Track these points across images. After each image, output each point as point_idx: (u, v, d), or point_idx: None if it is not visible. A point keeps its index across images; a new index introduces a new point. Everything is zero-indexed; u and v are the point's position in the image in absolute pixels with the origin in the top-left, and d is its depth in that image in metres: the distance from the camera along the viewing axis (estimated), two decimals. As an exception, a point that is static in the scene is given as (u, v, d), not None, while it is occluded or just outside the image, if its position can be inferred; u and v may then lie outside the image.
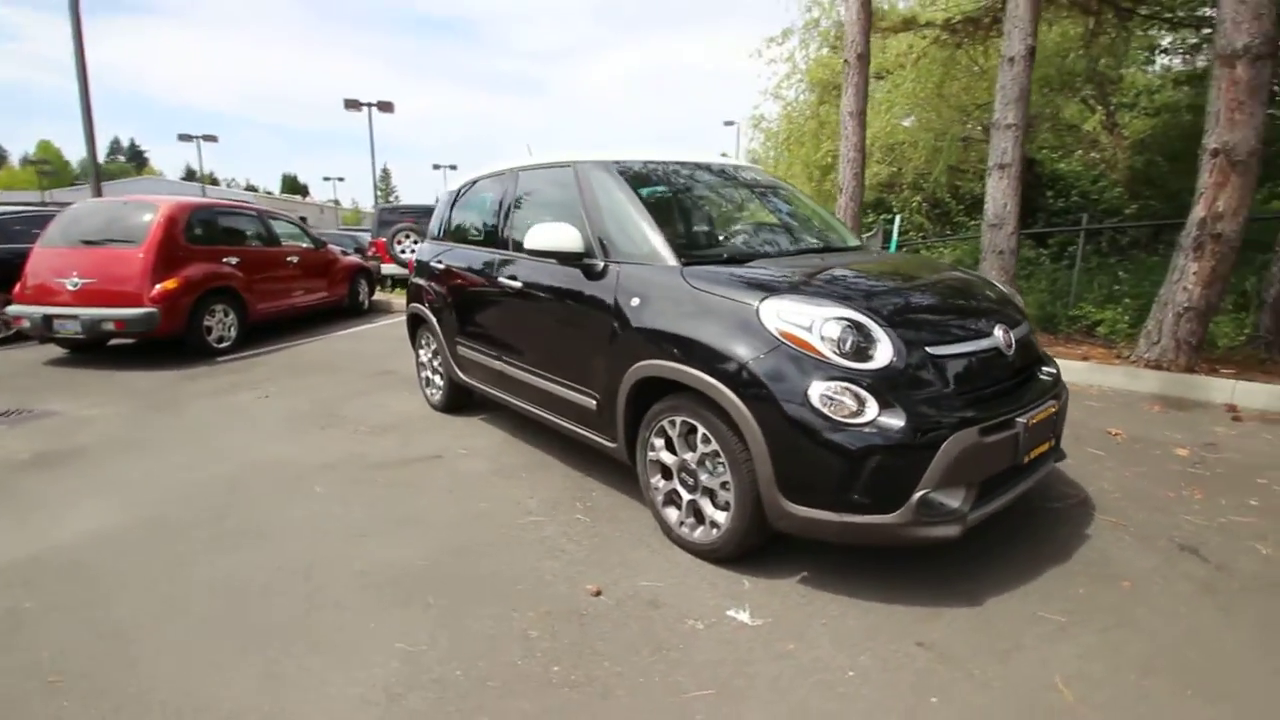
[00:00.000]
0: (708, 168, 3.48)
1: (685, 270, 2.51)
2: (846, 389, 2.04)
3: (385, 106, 24.53)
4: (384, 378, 5.67)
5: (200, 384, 5.47)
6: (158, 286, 5.94)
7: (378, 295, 10.69)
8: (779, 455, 2.10)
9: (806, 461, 2.07)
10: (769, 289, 2.28)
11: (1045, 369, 2.63)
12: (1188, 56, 10.48)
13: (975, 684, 1.81)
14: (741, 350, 2.19)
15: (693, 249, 2.66)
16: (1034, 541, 2.56)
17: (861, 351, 2.09)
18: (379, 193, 76.32)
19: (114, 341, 6.66)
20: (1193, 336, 4.78)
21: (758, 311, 2.21)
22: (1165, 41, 11.67)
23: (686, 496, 2.48)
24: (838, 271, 2.59)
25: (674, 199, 3.07)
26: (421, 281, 4.46)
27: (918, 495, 2.01)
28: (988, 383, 2.27)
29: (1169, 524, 2.68)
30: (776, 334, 2.15)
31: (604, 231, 2.84)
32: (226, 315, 6.69)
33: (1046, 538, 2.59)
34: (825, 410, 2.03)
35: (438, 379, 4.49)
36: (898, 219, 11.60)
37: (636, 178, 3.04)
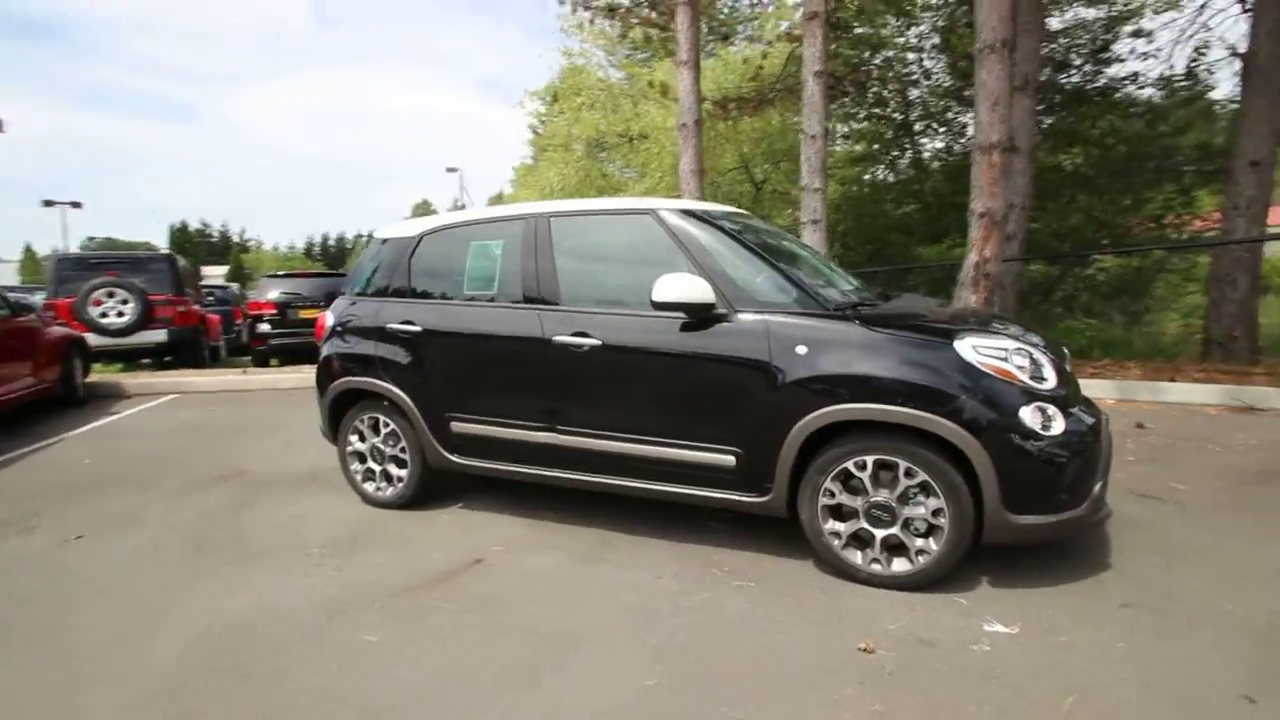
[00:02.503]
0: (730, 215, 3.56)
1: (853, 315, 2.63)
2: (1041, 408, 2.42)
3: (-18, 123, 18.04)
4: (242, 481, 4.30)
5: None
6: None
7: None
8: (1004, 474, 2.36)
9: (1027, 475, 2.37)
10: (952, 329, 2.55)
11: None
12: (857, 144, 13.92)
13: (1180, 618, 2.29)
14: (955, 384, 2.40)
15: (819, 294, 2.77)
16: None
17: (1039, 375, 2.49)
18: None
19: None
20: (976, 348, 6.46)
21: (956, 349, 2.45)
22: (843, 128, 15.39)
23: (880, 533, 2.56)
24: (955, 311, 2.98)
25: (763, 246, 3.11)
26: (368, 350, 3.58)
27: (1097, 487, 2.47)
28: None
29: (1113, 481, 3.66)
30: (980, 366, 2.43)
31: (728, 281, 2.77)
32: (-106, 427, 4.29)
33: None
34: (1035, 427, 2.37)
35: (394, 469, 3.63)
36: None
37: (715, 225, 3.02)
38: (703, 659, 2.19)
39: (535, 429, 3.15)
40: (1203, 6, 7.93)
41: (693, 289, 2.67)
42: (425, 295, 3.52)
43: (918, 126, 12.94)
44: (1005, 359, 2.46)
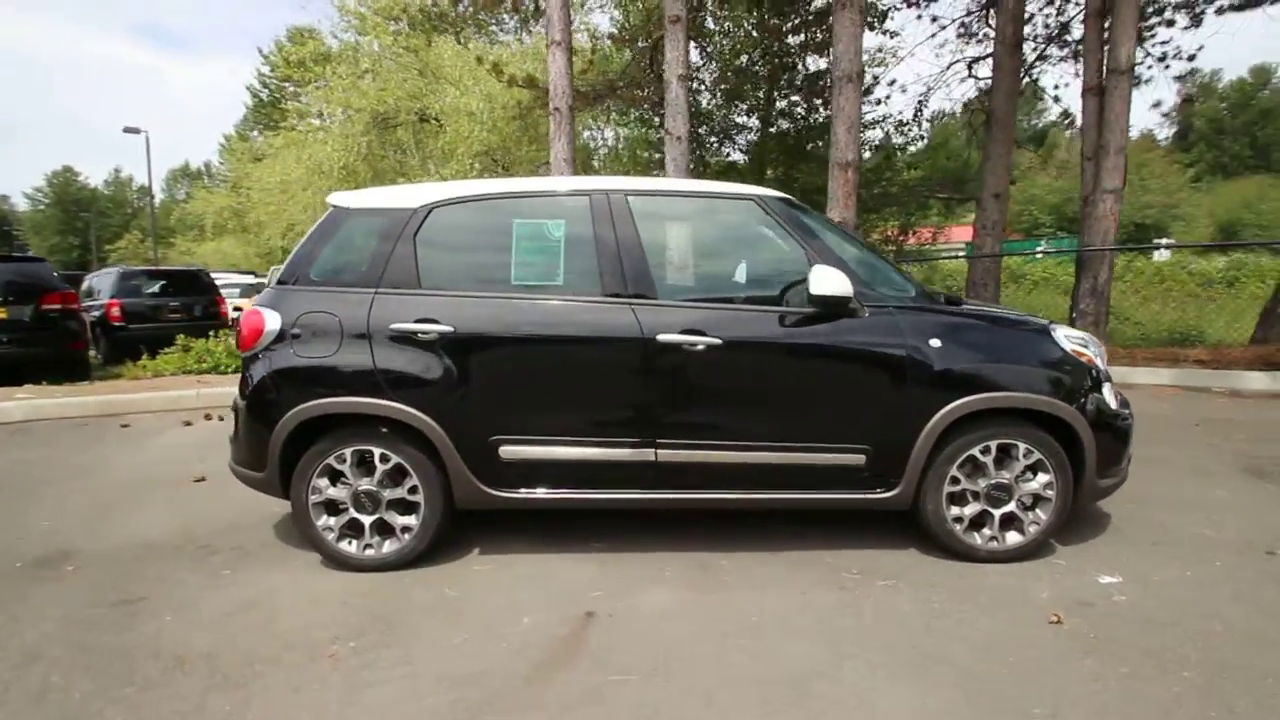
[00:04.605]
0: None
1: (962, 308, 2.77)
2: (1110, 386, 2.86)
3: None
4: (80, 567, 2.90)
5: None
6: None
7: None
8: (1100, 445, 2.72)
9: (1110, 444, 2.78)
10: (1043, 322, 2.85)
11: None
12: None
13: (1193, 547, 2.91)
14: (1064, 370, 2.70)
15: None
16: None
17: (1097, 359, 2.93)
18: None
19: None
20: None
21: (1053, 338, 2.75)
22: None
23: (999, 512, 2.75)
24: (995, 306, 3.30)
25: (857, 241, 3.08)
26: (358, 361, 2.64)
27: (1130, 451, 3.01)
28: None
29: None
30: (1073, 353, 2.76)
31: (853, 274, 2.69)
32: None
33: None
34: (1112, 404, 2.80)
35: (398, 517, 2.75)
36: None
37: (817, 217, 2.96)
38: (946, 665, 2.11)
39: (628, 445, 2.67)
40: (945, 70, 10.21)
41: (840, 282, 2.54)
42: (448, 285, 2.71)
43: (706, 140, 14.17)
44: (1086, 345, 2.84)
